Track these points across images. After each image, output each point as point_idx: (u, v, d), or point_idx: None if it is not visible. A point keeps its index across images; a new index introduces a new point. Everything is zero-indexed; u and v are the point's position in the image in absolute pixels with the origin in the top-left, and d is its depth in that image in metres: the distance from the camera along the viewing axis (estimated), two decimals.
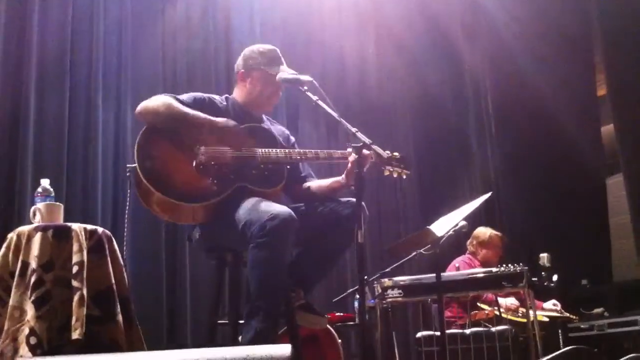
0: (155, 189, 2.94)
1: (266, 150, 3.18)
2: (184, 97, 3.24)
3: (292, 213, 2.88)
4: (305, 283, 3.25)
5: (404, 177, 3.33)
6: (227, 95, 3.45)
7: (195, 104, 3.21)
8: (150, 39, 5.57)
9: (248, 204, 2.97)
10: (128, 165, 3.04)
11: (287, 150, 3.26)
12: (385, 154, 3.04)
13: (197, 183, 3.03)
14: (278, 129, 3.52)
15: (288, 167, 3.29)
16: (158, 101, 3.12)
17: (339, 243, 3.21)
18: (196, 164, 3.05)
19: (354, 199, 3.10)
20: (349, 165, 3.13)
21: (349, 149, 3.04)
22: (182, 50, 5.78)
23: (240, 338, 2.97)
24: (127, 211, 3.27)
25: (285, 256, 2.90)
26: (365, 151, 3.00)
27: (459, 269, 5.19)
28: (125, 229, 3.26)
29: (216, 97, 3.38)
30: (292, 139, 3.58)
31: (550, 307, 5.73)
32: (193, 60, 5.83)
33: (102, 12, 5.22)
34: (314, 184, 3.43)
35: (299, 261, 3.11)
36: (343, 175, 3.23)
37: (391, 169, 3.27)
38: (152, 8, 5.66)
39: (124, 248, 3.26)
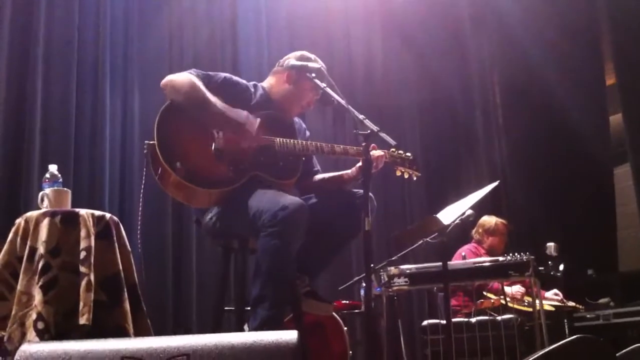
0: (173, 171, 2.92)
1: (284, 140, 3.18)
2: (216, 77, 3.21)
3: (304, 204, 2.90)
4: (310, 270, 3.26)
5: (414, 178, 3.43)
6: (255, 82, 3.42)
7: (223, 84, 3.20)
8: (157, 27, 5.56)
9: (261, 192, 2.98)
10: (146, 142, 3.00)
11: (304, 142, 3.26)
12: (393, 142, 3.01)
13: (213, 167, 3.03)
14: (296, 120, 3.52)
15: (303, 158, 3.31)
16: (184, 79, 3.08)
17: (345, 232, 3.22)
18: (214, 149, 3.04)
19: (362, 191, 3.13)
20: (361, 162, 3.15)
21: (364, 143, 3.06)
22: (188, 39, 5.77)
23: (245, 325, 2.98)
24: (142, 191, 3.22)
25: (294, 246, 2.91)
26: (378, 152, 3.15)
27: (465, 257, 5.19)
28: (140, 210, 3.22)
29: (244, 82, 3.35)
30: (308, 133, 3.59)
31: (552, 297, 5.73)
32: (200, 49, 5.82)
33: (109, 2, 5.21)
34: (322, 176, 3.47)
35: (305, 248, 3.11)
36: (353, 169, 3.28)
37: (403, 170, 3.41)
38: None
39: (138, 231, 3.25)
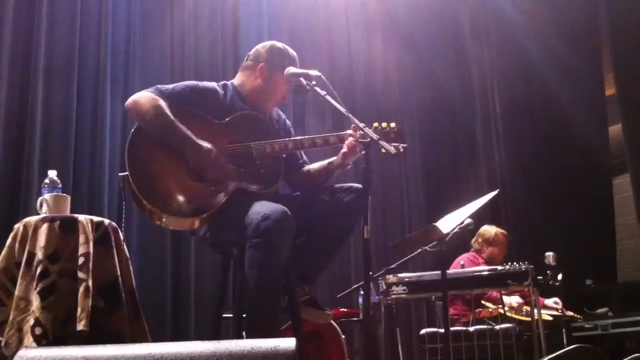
0: (152, 205, 2.89)
1: (261, 143, 3.12)
2: (178, 88, 3.14)
3: (287, 211, 2.84)
4: (309, 272, 3.24)
5: (401, 150, 3.22)
6: (225, 82, 3.35)
7: (190, 95, 3.14)
8: (159, 34, 5.57)
9: (245, 204, 2.94)
10: (119, 175, 2.97)
11: (282, 141, 3.21)
12: (392, 148, 2.98)
13: (194, 190, 2.98)
14: (274, 114, 3.46)
15: (284, 156, 3.25)
16: (148, 104, 3.01)
17: (341, 229, 3.19)
18: (190, 171, 2.99)
19: (355, 184, 3.15)
20: (345, 147, 3.14)
21: (348, 131, 3.04)
22: (189, 48, 5.78)
23: (244, 332, 2.97)
24: (123, 218, 3.22)
25: (281, 255, 2.85)
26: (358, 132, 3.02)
27: (464, 266, 5.19)
28: (122, 232, 3.21)
29: (211, 86, 3.28)
30: (288, 122, 3.53)
31: (551, 305, 5.72)
32: (201, 57, 5.82)
33: (111, 8, 5.22)
34: (311, 167, 3.41)
35: (302, 250, 3.09)
36: (338, 156, 3.22)
37: (387, 148, 2.98)
38: (161, 4, 5.66)
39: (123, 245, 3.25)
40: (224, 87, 3.31)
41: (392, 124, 3.28)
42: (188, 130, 2.99)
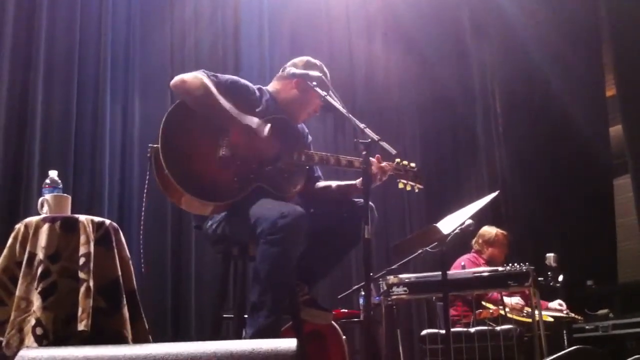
0: (176, 182, 2.90)
1: (289, 153, 3.17)
2: (225, 79, 3.18)
3: (304, 212, 2.88)
4: (310, 278, 3.25)
5: (417, 190, 3.37)
6: (260, 86, 3.38)
7: (232, 86, 3.17)
8: (159, 34, 5.57)
9: (262, 201, 2.96)
10: (150, 145, 2.96)
11: (310, 153, 3.26)
12: (394, 152, 2.99)
13: (217, 176, 3.01)
14: (299, 126, 3.50)
15: (307, 167, 3.30)
16: (197, 81, 3.04)
17: (346, 240, 3.21)
18: (219, 158, 3.01)
19: (362, 200, 3.13)
20: (375, 168, 3.18)
21: (371, 158, 3.06)
22: (190, 48, 5.78)
23: (244, 332, 2.97)
24: (144, 194, 3.18)
25: (294, 254, 2.88)
26: (382, 164, 3.16)
27: (465, 267, 5.19)
28: (143, 213, 3.21)
29: (250, 85, 3.31)
30: (310, 137, 3.58)
31: (556, 307, 5.73)
32: (201, 58, 5.82)
33: (111, 8, 5.23)
34: (327, 184, 3.44)
35: (305, 256, 3.09)
36: (359, 180, 3.22)
37: (405, 182, 3.35)
38: (161, 3, 5.66)
39: (141, 237, 3.24)
40: (260, 90, 3.34)
41: (412, 164, 3.39)
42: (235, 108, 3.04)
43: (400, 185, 3.33)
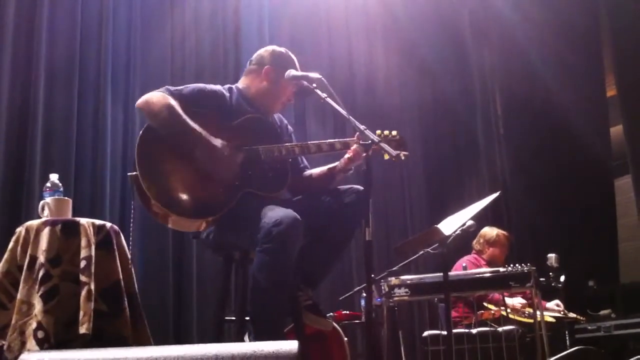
0: (161, 204, 2.87)
1: (269, 147, 3.14)
2: (187, 90, 3.14)
3: (297, 216, 2.85)
4: (312, 278, 3.23)
5: (402, 158, 3.18)
6: (230, 85, 3.36)
7: (198, 97, 3.14)
8: (160, 37, 5.58)
9: (251, 208, 2.94)
10: (129, 174, 2.95)
11: (289, 146, 3.22)
12: (394, 152, 2.99)
13: (201, 192, 2.98)
14: (276, 117, 3.48)
15: (290, 160, 3.27)
16: (161, 102, 3.00)
17: (343, 232, 3.20)
18: (197, 173, 2.98)
19: (355, 186, 3.15)
20: (350, 152, 3.16)
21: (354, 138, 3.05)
22: (190, 50, 5.78)
23: (246, 335, 2.97)
24: (132, 217, 3.20)
25: (290, 261, 2.87)
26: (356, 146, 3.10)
27: (466, 268, 5.18)
28: (131, 231, 3.22)
29: (218, 89, 3.27)
30: (290, 128, 3.55)
31: (553, 307, 5.71)
32: (202, 60, 5.83)
33: (112, 11, 5.23)
34: (312, 172, 3.42)
35: (304, 255, 3.07)
36: (341, 160, 3.23)
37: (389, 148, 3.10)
38: (161, 7, 5.67)
39: (130, 247, 3.24)
40: (230, 90, 3.32)
41: (394, 132, 3.33)
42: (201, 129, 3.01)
43: (386, 157, 3.02)
